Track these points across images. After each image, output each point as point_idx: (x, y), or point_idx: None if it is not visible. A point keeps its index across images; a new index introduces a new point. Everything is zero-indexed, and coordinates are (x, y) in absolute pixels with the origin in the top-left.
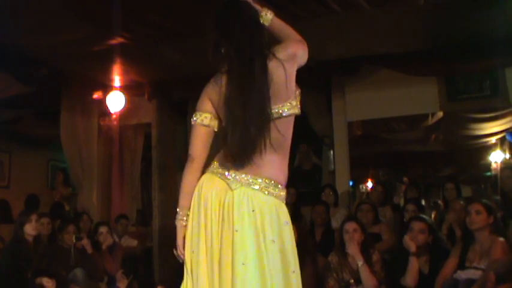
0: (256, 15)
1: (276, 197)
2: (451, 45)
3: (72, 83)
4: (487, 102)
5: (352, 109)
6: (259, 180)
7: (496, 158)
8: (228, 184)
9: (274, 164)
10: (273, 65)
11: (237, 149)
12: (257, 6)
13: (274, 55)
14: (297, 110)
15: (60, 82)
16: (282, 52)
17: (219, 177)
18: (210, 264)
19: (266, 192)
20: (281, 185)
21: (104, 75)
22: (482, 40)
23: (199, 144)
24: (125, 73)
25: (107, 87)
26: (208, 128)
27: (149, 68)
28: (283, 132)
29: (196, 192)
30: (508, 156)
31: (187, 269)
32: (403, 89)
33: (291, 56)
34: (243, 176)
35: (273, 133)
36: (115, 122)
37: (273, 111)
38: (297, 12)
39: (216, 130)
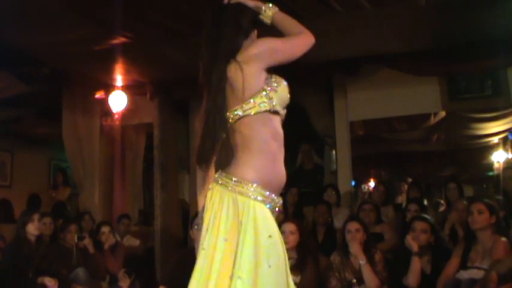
0: (241, 17)
1: (242, 194)
2: (452, 44)
3: (73, 83)
4: (489, 102)
5: (353, 109)
6: (226, 178)
7: (498, 157)
8: None
9: (241, 162)
10: (231, 69)
11: (202, 154)
12: (257, 4)
13: (234, 58)
14: (258, 109)
15: (61, 81)
16: (242, 54)
17: None
18: None
19: (231, 189)
20: (249, 181)
21: (106, 74)
22: (483, 40)
23: None
24: (126, 73)
25: (108, 87)
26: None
27: (151, 68)
28: (247, 132)
29: None
30: (510, 156)
31: None
32: (404, 89)
33: (250, 57)
34: (217, 175)
35: (238, 134)
36: (117, 122)
37: (232, 114)
38: (298, 12)
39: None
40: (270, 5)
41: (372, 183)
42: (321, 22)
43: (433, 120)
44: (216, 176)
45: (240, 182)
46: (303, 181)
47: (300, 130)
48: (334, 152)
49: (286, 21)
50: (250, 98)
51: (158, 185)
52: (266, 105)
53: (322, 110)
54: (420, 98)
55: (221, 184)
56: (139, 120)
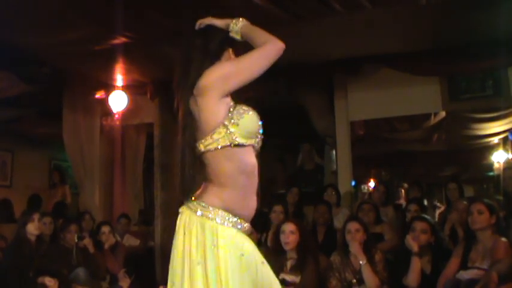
0: (208, 40)
1: (210, 219)
2: (453, 44)
3: (74, 82)
4: (490, 102)
5: (354, 109)
6: (196, 203)
7: (498, 158)
8: None
9: (212, 192)
10: (191, 103)
11: (184, 186)
12: (226, 22)
13: (192, 92)
14: (217, 144)
15: (62, 81)
16: (196, 88)
17: None
18: None
19: (200, 214)
20: (219, 209)
21: (106, 74)
22: (484, 40)
23: None
24: (127, 72)
25: (109, 87)
26: None
27: (152, 68)
28: (211, 167)
29: None
30: (510, 156)
31: None
32: (405, 89)
33: (202, 89)
34: (189, 201)
35: (205, 167)
36: (117, 122)
37: (197, 148)
38: (299, 12)
39: None
40: (239, 19)
41: (372, 183)
42: (322, 22)
43: (433, 120)
44: (186, 201)
45: (208, 208)
46: (304, 181)
47: (301, 130)
48: (334, 152)
49: (253, 34)
50: (210, 133)
51: (158, 185)
52: (225, 140)
53: (323, 110)
54: (421, 98)
55: (190, 208)
56: (140, 120)
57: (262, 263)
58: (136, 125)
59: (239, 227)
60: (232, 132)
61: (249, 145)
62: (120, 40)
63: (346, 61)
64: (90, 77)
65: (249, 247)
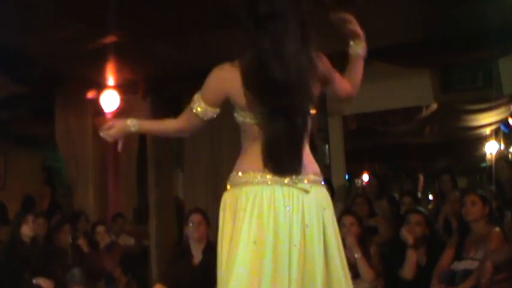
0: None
1: (323, 187)
2: (444, 36)
3: (66, 83)
4: (481, 93)
5: (346, 102)
6: (317, 176)
7: (490, 148)
8: (288, 190)
9: (309, 156)
10: (318, 64)
11: (285, 150)
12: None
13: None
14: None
15: (54, 81)
16: (321, 61)
17: (270, 185)
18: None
19: (324, 185)
20: (320, 175)
21: (98, 74)
22: (475, 31)
23: (188, 125)
24: (118, 72)
25: (101, 86)
26: (204, 122)
27: (143, 66)
28: (310, 130)
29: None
30: (502, 146)
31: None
32: (396, 82)
33: (329, 69)
34: (297, 177)
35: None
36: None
37: (311, 109)
38: None
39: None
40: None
41: (365, 177)
42: (312, 16)
43: (425, 113)
44: (310, 177)
45: (319, 176)
46: None
47: None
48: (327, 146)
49: (359, 69)
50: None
51: (152, 183)
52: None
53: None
54: (412, 91)
55: (318, 184)
56: None
57: None
58: None
59: None
60: None
61: None
62: (111, 39)
63: (337, 54)
64: (82, 77)
65: None
